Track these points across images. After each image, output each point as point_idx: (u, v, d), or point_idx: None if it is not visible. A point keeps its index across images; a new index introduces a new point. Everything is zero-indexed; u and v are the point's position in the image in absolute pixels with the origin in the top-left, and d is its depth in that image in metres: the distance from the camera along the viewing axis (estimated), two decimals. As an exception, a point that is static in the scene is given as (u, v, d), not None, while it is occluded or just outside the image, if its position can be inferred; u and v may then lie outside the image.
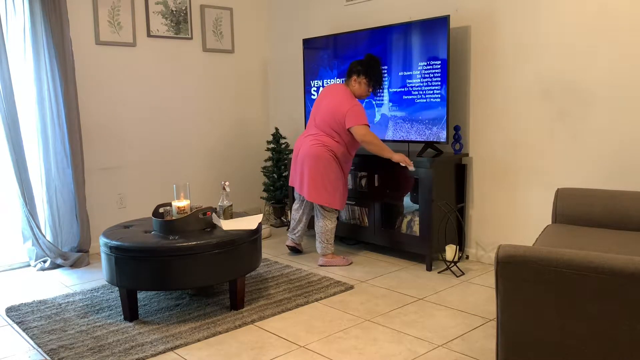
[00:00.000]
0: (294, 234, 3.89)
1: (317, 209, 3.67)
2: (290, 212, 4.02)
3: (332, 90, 3.62)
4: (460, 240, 3.73)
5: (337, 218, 3.99)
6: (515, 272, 1.75)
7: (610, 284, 1.62)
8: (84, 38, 4.05)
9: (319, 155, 3.53)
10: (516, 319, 1.78)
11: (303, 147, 3.61)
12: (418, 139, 3.67)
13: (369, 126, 3.50)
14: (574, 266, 1.66)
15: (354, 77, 3.59)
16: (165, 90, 4.52)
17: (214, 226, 2.99)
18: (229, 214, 3.18)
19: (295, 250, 3.96)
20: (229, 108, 4.95)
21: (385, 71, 3.83)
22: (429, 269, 3.55)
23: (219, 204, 3.17)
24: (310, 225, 4.09)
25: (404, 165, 3.44)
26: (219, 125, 4.89)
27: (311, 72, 4.36)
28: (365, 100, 3.97)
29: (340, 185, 3.61)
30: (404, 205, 3.83)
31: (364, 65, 3.57)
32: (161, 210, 3.03)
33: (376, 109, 3.93)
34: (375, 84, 3.61)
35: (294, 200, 4.07)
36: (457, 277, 3.42)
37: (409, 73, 3.68)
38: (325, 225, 3.65)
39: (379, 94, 3.89)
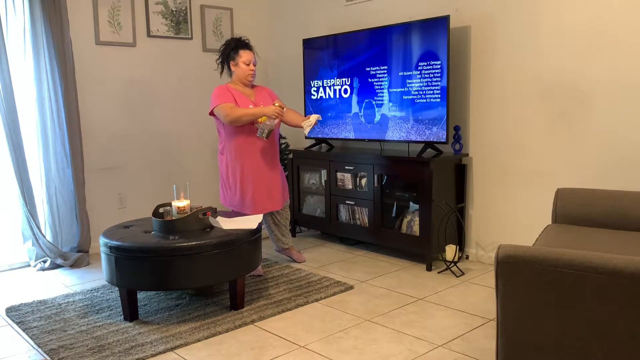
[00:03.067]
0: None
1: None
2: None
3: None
4: (460, 240, 3.73)
5: (341, 222, 3.93)
6: (515, 272, 1.75)
7: (610, 284, 1.62)
8: (84, 38, 4.05)
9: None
10: (516, 319, 1.78)
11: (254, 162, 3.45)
12: (418, 139, 3.67)
13: (232, 104, 3.21)
14: (574, 266, 1.66)
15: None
16: (165, 91, 4.52)
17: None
18: (270, 127, 3.18)
19: (289, 255, 3.80)
20: (229, 108, 4.94)
21: (385, 71, 3.83)
22: (429, 269, 3.55)
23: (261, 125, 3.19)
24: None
25: (275, 118, 3.19)
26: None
27: (311, 72, 4.36)
28: (366, 100, 3.97)
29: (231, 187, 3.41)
30: (404, 205, 3.83)
31: (225, 54, 3.39)
32: (161, 210, 3.03)
33: (376, 109, 3.93)
34: (224, 60, 3.39)
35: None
36: (457, 277, 3.42)
37: (409, 73, 3.68)
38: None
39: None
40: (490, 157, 3.59)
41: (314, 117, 3.32)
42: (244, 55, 3.35)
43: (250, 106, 3.31)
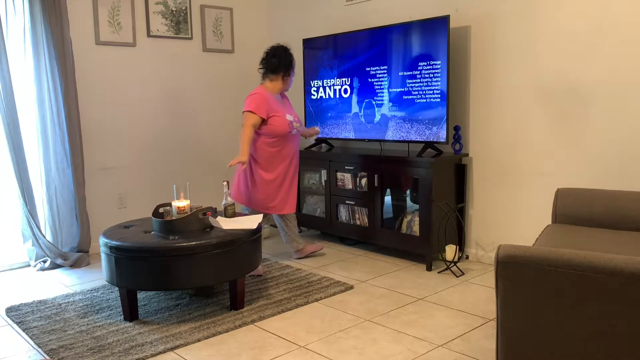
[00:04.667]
0: (288, 244, 3.88)
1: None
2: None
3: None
4: (460, 240, 3.73)
5: (340, 222, 3.93)
6: (515, 272, 1.75)
7: (610, 284, 1.62)
8: (84, 38, 4.05)
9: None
10: (516, 319, 1.78)
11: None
12: (418, 139, 3.67)
13: (256, 116, 3.40)
14: (574, 266, 1.66)
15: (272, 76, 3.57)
16: (165, 90, 4.52)
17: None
18: (230, 212, 3.18)
19: (308, 253, 3.90)
20: (229, 108, 4.95)
21: (385, 71, 3.83)
22: (429, 269, 3.55)
23: (222, 203, 3.19)
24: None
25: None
26: (219, 125, 4.88)
27: (311, 72, 4.36)
28: (366, 100, 3.97)
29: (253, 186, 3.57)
30: (404, 205, 3.83)
31: (280, 59, 3.54)
32: (161, 210, 3.03)
33: (376, 109, 3.93)
34: (286, 67, 3.56)
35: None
36: (457, 277, 3.42)
37: (409, 73, 3.68)
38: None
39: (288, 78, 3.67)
40: (490, 157, 3.59)
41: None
42: (293, 71, 3.64)
43: (288, 116, 3.54)
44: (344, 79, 4.12)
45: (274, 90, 3.58)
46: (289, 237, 3.80)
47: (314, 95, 4.37)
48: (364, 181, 3.95)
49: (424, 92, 3.61)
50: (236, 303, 2.90)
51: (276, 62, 3.53)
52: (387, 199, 3.86)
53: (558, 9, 3.17)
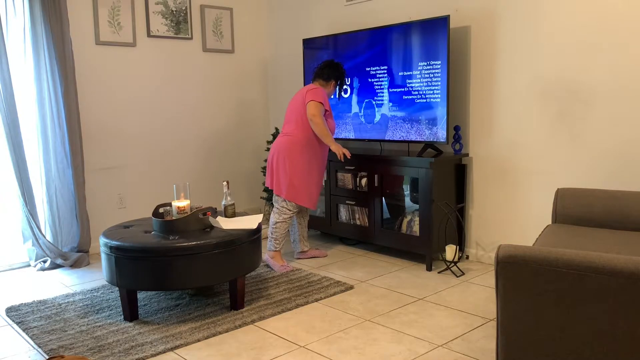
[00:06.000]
0: (294, 243, 3.86)
1: (275, 200, 3.65)
2: None
3: (304, 87, 3.65)
4: (460, 240, 3.73)
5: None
6: (515, 272, 1.75)
7: (610, 284, 1.62)
8: (84, 38, 4.05)
9: (283, 146, 3.55)
10: (516, 319, 1.78)
11: (273, 145, 3.66)
12: (418, 139, 3.67)
13: (325, 109, 3.52)
14: (574, 266, 1.66)
15: (321, 81, 3.67)
16: (165, 90, 4.52)
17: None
18: (230, 212, 3.18)
19: (311, 256, 3.90)
20: (228, 108, 4.95)
21: (385, 71, 3.83)
22: (429, 269, 3.55)
23: (222, 202, 3.19)
24: (311, 225, 4.08)
25: (341, 156, 3.48)
26: (219, 125, 4.89)
27: (311, 72, 4.36)
28: (366, 100, 3.97)
29: (309, 180, 3.57)
30: (404, 205, 3.83)
31: (338, 72, 3.69)
32: (161, 210, 3.03)
33: (376, 109, 3.93)
34: (341, 87, 3.77)
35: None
36: (457, 277, 3.42)
37: (409, 73, 3.68)
38: (273, 218, 3.61)
39: (341, 97, 4.00)
40: (490, 157, 3.59)
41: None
42: (338, 83, 3.76)
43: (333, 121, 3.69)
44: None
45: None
46: (299, 236, 3.81)
47: (314, 95, 4.37)
48: (364, 181, 3.95)
49: (424, 92, 3.61)
50: (236, 303, 2.90)
51: (326, 71, 3.66)
52: (387, 199, 3.86)
53: (558, 8, 3.17)
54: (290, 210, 3.60)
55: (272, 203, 4.90)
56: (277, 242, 3.61)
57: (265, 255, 3.66)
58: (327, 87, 3.69)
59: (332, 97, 4.11)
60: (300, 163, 3.53)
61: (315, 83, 3.68)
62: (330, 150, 3.99)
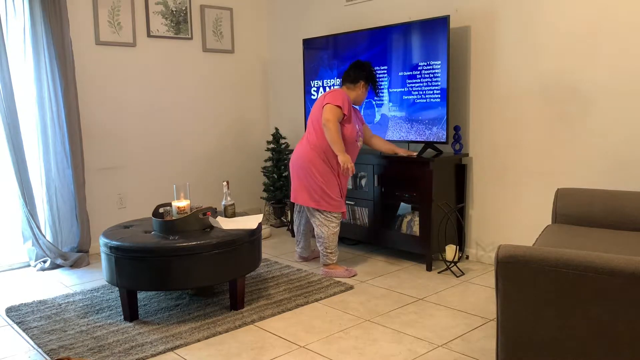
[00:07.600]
0: (299, 246, 3.81)
1: (311, 215, 3.48)
2: (290, 213, 4.01)
3: (328, 91, 3.53)
4: (460, 240, 3.73)
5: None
6: (515, 272, 1.75)
7: (610, 284, 1.62)
8: (84, 38, 4.05)
9: (303, 154, 3.41)
10: (516, 319, 1.78)
11: (294, 154, 3.52)
12: (418, 139, 3.67)
13: (342, 114, 3.29)
14: (574, 266, 1.66)
15: (349, 84, 3.49)
16: (165, 90, 4.52)
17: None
18: (230, 212, 3.18)
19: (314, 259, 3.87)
20: (229, 108, 4.95)
21: (385, 71, 3.83)
22: (429, 269, 3.55)
23: (222, 202, 3.19)
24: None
25: (344, 169, 3.31)
26: (219, 125, 4.89)
27: (311, 72, 4.36)
28: (365, 100, 3.97)
29: (333, 186, 3.41)
30: (404, 205, 3.83)
31: (365, 71, 3.48)
32: (161, 210, 3.03)
33: (376, 109, 3.93)
34: (374, 86, 3.55)
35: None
36: (457, 277, 3.42)
37: (409, 73, 3.69)
38: (321, 233, 3.44)
39: (380, 94, 3.87)
40: (490, 157, 3.59)
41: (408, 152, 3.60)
42: (368, 84, 3.54)
43: (357, 126, 3.46)
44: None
45: (351, 97, 3.48)
46: (304, 242, 3.77)
47: (314, 95, 4.37)
48: (364, 181, 3.95)
49: (424, 92, 3.61)
50: (236, 303, 2.90)
51: (352, 73, 3.47)
52: (387, 199, 3.86)
53: (558, 9, 3.17)
54: (336, 218, 3.46)
55: (272, 203, 4.90)
56: (333, 255, 3.47)
57: (322, 270, 3.50)
58: (355, 90, 3.46)
59: (367, 99, 3.88)
60: (329, 172, 3.39)
61: (343, 88, 3.49)
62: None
